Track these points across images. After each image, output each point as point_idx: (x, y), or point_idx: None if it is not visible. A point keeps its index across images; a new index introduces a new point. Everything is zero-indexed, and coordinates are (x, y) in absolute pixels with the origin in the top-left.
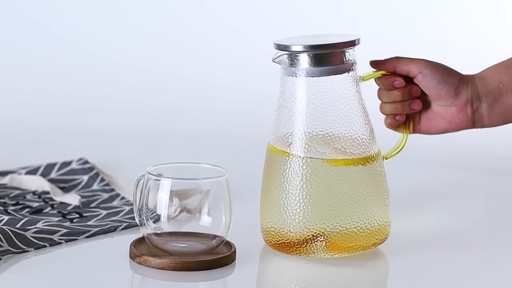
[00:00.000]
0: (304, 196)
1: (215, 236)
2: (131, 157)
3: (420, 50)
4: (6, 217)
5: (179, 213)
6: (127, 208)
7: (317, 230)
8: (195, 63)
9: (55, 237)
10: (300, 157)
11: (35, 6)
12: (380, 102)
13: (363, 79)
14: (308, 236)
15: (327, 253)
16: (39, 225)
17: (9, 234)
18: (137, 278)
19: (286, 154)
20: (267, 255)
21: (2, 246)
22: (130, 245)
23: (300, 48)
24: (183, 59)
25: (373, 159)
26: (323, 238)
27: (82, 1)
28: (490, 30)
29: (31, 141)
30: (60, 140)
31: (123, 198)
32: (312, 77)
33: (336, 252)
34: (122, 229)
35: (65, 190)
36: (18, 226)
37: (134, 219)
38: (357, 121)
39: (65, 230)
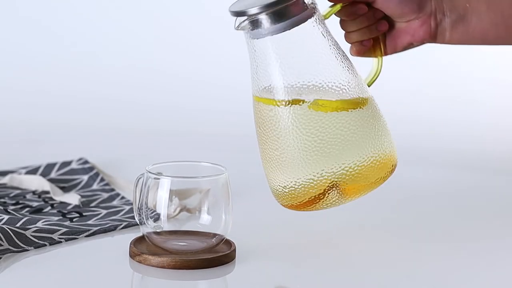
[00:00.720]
0: (310, 147)
1: (215, 235)
2: (131, 157)
3: None
4: (6, 217)
5: (179, 212)
6: (127, 207)
7: (334, 177)
8: (195, 63)
9: (55, 236)
10: (291, 106)
11: (35, 6)
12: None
13: (324, 17)
14: (326, 186)
15: (345, 198)
16: (39, 224)
17: (9, 233)
18: (137, 276)
19: (274, 102)
20: (267, 253)
21: (2, 245)
22: (130, 244)
23: (257, 10)
24: (183, 59)
25: (365, 100)
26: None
27: (82, 1)
28: None
29: (31, 141)
30: (60, 140)
31: (123, 197)
32: (281, 32)
33: (354, 195)
34: (122, 228)
35: (65, 189)
36: (18, 225)
37: (134, 218)
38: (336, 63)
39: (65, 229)
